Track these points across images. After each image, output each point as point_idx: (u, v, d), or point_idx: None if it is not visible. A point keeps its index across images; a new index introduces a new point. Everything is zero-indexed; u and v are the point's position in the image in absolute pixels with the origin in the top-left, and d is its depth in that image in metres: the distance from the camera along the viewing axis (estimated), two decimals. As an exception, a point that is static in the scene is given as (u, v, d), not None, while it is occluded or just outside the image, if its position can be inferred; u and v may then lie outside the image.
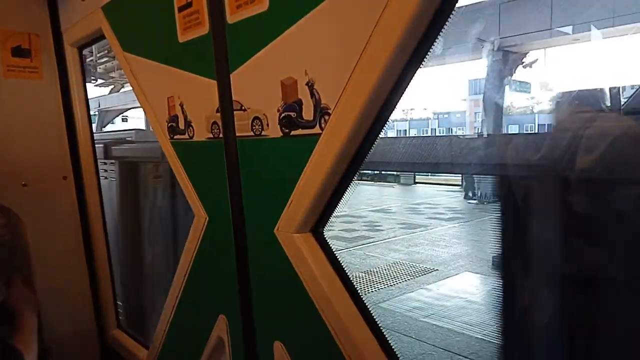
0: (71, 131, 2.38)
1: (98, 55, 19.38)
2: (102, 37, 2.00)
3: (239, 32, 1.22)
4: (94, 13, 1.94)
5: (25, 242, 2.25)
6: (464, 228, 12.58)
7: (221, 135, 1.35)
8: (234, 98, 1.28)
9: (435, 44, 0.88)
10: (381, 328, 1.12)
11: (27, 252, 2.26)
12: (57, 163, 2.35)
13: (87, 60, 17.72)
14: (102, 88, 25.22)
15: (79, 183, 2.42)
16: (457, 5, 0.85)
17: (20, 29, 2.20)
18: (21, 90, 2.22)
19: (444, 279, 7.97)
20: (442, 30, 0.86)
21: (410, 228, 12.30)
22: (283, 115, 1.12)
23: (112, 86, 25.13)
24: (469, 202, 16.76)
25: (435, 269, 8.54)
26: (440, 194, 19.65)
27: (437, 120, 65.93)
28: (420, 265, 8.74)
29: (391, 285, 7.63)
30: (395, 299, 6.98)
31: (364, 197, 18.77)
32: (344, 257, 8.28)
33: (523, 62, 16.90)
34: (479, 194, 16.72)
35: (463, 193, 19.22)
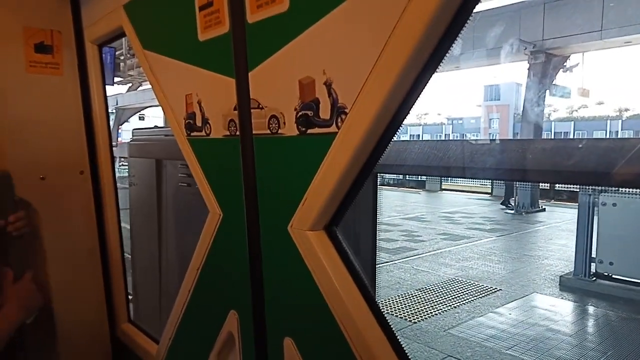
0: (89, 127, 2.42)
1: (117, 53, 18.87)
2: (122, 34, 2.04)
3: (258, 32, 1.24)
4: (115, 11, 1.96)
5: (41, 235, 2.28)
6: (510, 241, 11.76)
7: (238, 133, 1.37)
8: (251, 96, 1.29)
9: (452, 47, 0.88)
10: (393, 329, 1.11)
11: (42, 244, 2.29)
12: (74, 158, 2.40)
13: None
14: (120, 86, 24.74)
15: (95, 178, 2.46)
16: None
17: (43, 26, 2.24)
18: (42, 85, 2.27)
19: (511, 301, 7.18)
20: (460, 33, 0.86)
21: (453, 239, 11.51)
22: (300, 114, 1.13)
23: (130, 84, 24.62)
24: (506, 212, 15.95)
25: (498, 288, 7.75)
26: (471, 202, 18.83)
27: (451, 126, 65.29)
28: (480, 284, 7.96)
29: (455, 307, 6.86)
30: (466, 325, 6.20)
31: (391, 203, 18.01)
32: (392, 272, 7.55)
33: (564, 66, 16.08)
34: (516, 204, 15.92)
35: (493, 201, 18.42)
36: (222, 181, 1.55)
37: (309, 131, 1.11)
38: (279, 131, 1.20)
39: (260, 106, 1.26)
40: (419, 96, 0.94)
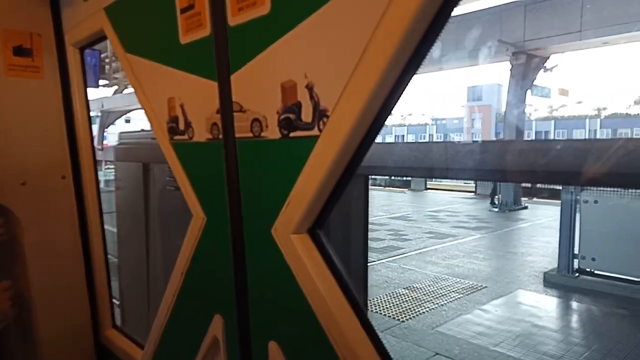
0: (71, 131, 2.39)
1: (102, 55, 18.58)
2: (104, 37, 2.01)
3: (240, 35, 1.23)
4: (96, 13, 1.94)
5: (22, 242, 2.24)
6: (494, 239, 11.93)
7: (221, 136, 1.37)
8: (234, 99, 1.29)
9: (433, 48, 0.89)
10: (375, 330, 1.11)
11: (23, 251, 2.26)
12: (56, 162, 2.36)
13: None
14: (106, 89, 24.36)
15: (77, 183, 2.43)
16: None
17: (22, 28, 2.20)
18: (22, 89, 2.22)
19: (497, 297, 7.28)
20: (440, 35, 0.87)
21: (439, 238, 11.62)
22: (282, 117, 1.13)
23: (116, 87, 24.27)
24: (490, 210, 16.16)
25: (483, 285, 7.85)
26: (455, 201, 19.03)
27: (435, 126, 65.90)
28: (466, 282, 8.05)
29: (442, 305, 6.92)
30: (453, 322, 6.26)
31: (377, 202, 18.10)
32: (379, 271, 7.59)
33: (545, 67, 16.37)
34: (499, 202, 16.15)
35: (477, 200, 18.67)
36: (206, 185, 1.54)
37: (292, 134, 1.12)
38: (262, 134, 1.20)
39: (243, 109, 1.26)
40: (399, 98, 0.95)
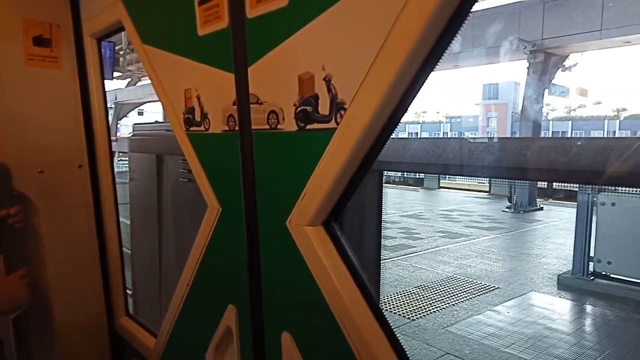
0: (87, 121, 2.42)
1: (116, 47, 18.76)
2: (121, 29, 2.02)
3: (258, 27, 1.23)
4: (114, 5, 1.96)
5: (39, 229, 2.28)
6: (508, 239, 11.77)
7: (237, 128, 1.38)
8: (251, 91, 1.28)
9: (452, 44, 0.88)
10: (390, 325, 1.10)
11: (40, 238, 2.29)
12: (73, 151, 2.39)
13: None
14: (120, 81, 24.61)
15: (93, 172, 2.46)
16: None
17: (42, 19, 2.23)
18: (41, 79, 2.26)
19: (510, 299, 7.18)
20: (459, 30, 0.86)
21: (451, 237, 11.51)
22: (299, 109, 1.12)
23: (129, 79, 24.50)
24: (504, 211, 15.96)
25: (496, 286, 7.75)
26: (469, 200, 18.84)
27: (449, 124, 65.25)
28: (478, 282, 7.96)
29: (453, 305, 6.86)
30: (464, 323, 6.20)
31: (389, 200, 18.00)
32: (390, 269, 7.54)
33: (563, 65, 16.08)
34: (514, 202, 15.94)
35: (491, 200, 18.46)
36: (221, 176, 1.55)
37: (308, 127, 1.11)
38: (278, 126, 1.20)
39: (260, 101, 1.26)
40: (418, 92, 0.94)
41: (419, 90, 0.94)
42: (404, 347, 1.10)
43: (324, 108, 1.06)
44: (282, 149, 1.23)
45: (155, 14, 1.75)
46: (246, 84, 1.30)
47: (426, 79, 0.92)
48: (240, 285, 1.48)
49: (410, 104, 0.95)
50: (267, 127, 1.24)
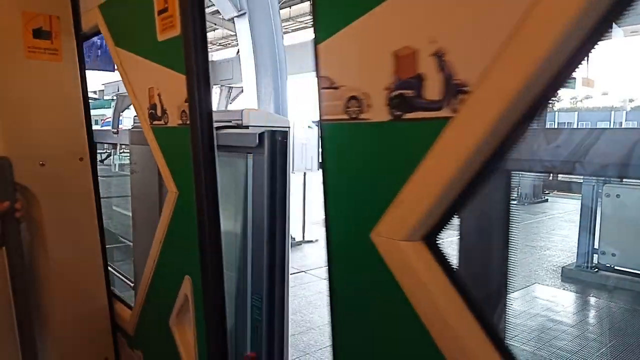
0: (88, 114, 2.45)
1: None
2: (100, 31, 2.17)
3: None
4: (92, 10, 2.13)
5: (40, 221, 2.30)
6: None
7: (188, 122, 1.55)
8: (321, 74, 1.08)
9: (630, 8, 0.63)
10: None
11: (42, 230, 2.31)
12: (74, 144, 2.41)
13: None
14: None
15: (94, 165, 2.51)
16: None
17: (42, 11, 2.23)
18: (41, 71, 2.27)
19: (513, 291, 7.17)
20: None
21: (453, 230, 11.49)
22: (395, 94, 0.91)
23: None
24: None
25: (499, 278, 7.75)
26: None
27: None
28: (481, 274, 7.96)
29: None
30: (467, 314, 6.22)
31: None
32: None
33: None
34: (518, 194, 15.86)
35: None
36: (177, 164, 1.77)
37: (407, 115, 0.91)
38: (361, 116, 1.00)
39: (335, 85, 1.04)
40: (575, 69, 0.71)
41: (577, 65, 0.71)
42: None
43: (431, 92, 0.85)
44: (368, 143, 1.02)
45: (125, 20, 1.97)
46: (198, 84, 1.48)
47: (590, 52, 0.70)
48: (194, 258, 1.64)
49: (561, 85, 0.73)
50: (346, 116, 1.03)
